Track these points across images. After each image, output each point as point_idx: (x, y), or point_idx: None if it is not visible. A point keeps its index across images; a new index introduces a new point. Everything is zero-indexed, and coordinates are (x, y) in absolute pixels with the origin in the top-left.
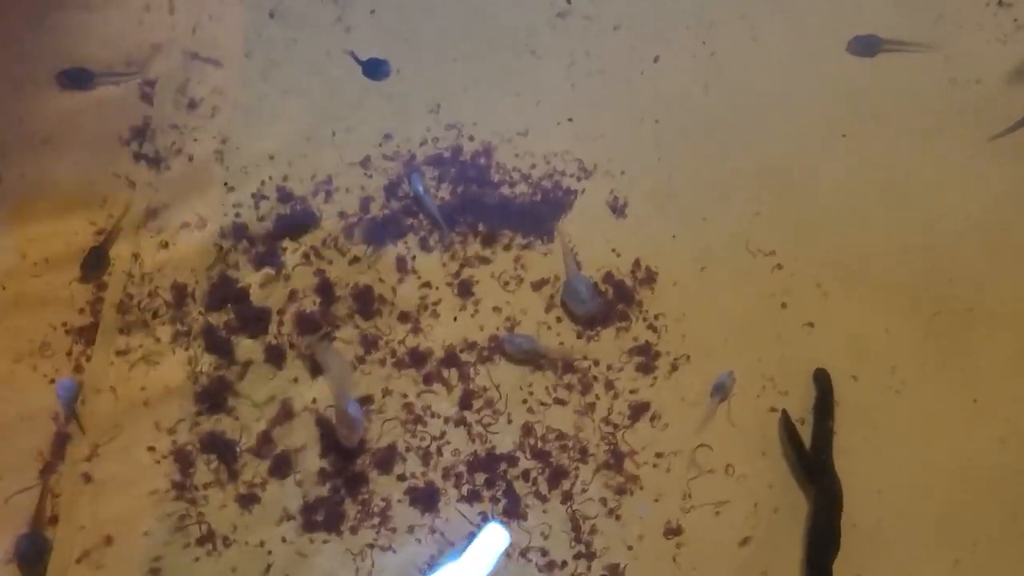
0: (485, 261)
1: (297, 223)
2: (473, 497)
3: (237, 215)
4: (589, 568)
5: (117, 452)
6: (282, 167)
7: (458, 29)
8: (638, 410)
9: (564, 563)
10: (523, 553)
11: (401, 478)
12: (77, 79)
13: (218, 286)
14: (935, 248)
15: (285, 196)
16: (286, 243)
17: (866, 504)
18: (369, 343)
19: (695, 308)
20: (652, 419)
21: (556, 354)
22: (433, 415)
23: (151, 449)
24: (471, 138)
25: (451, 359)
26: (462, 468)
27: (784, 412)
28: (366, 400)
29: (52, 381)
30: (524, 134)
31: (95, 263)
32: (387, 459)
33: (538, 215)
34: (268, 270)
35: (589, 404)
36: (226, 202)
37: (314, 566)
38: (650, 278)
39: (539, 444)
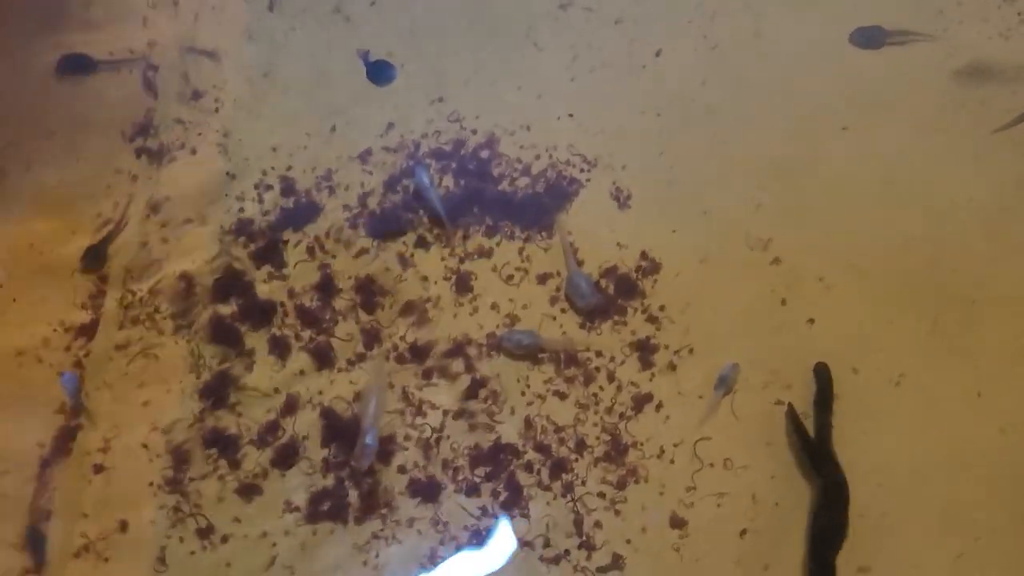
0: (487, 254)
1: (300, 216)
2: (474, 489)
3: (240, 209)
4: (590, 558)
5: (119, 445)
6: (284, 160)
7: (460, 21)
8: (640, 402)
9: (567, 552)
10: (525, 543)
11: (403, 470)
12: (79, 68)
13: (222, 279)
14: (937, 240)
15: (287, 189)
16: (288, 235)
17: (869, 496)
18: (371, 336)
19: (697, 300)
20: (655, 411)
21: (557, 346)
22: (434, 408)
23: (152, 442)
24: (473, 131)
25: (453, 352)
26: (463, 461)
27: (790, 405)
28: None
29: (57, 374)
30: (526, 127)
31: (96, 257)
32: (389, 451)
33: (541, 208)
34: (271, 263)
35: (591, 396)
36: (229, 195)
37: (317, 558)
38: (653, 270)
39: (540, 436)
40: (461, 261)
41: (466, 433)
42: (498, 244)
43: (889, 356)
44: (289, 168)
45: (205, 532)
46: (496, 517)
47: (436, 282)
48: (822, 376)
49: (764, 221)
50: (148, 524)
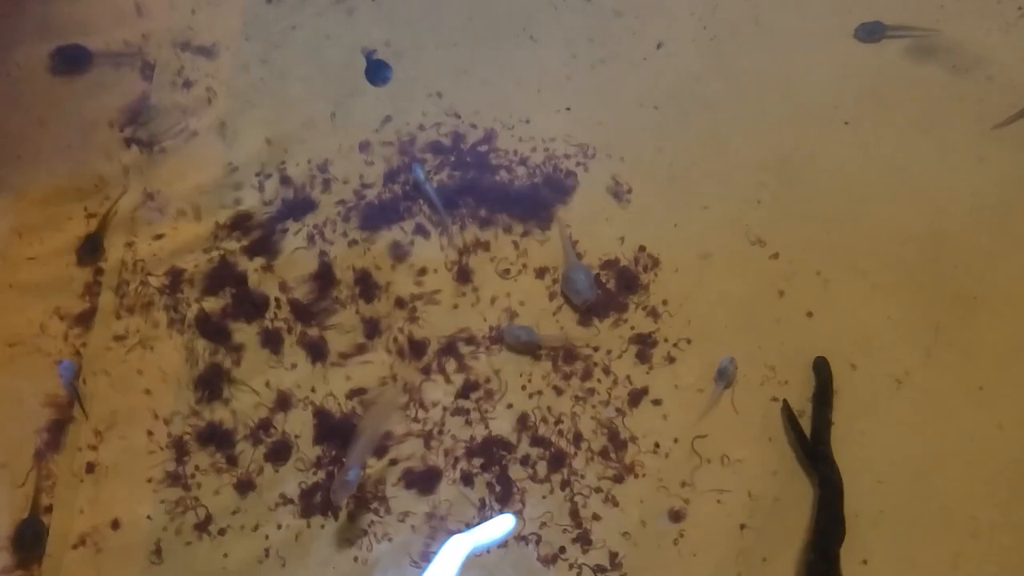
0: (485, 248)
1: (296, 207)
2: (470, 483)
3: (235, 200)
4: (587, 553)
5: (115, 438)
6: (280, 152)
7: (458, 14)
8: (638, 396)
9: (563, 549)
10: (521, 539)
11: (395, 462)
12: (73, 58)
13: (216, 271)
14: (937, 235)
15: (284, 180)
16: (286, 227)
17: (869, 493)
18: (370, 330)
19: (697, 295)
20: (653, 405)
21: (555, 342)
22: (432, 403)
23: (149, 434)
24: (472, 125)
25: (450, 348)
26: (460, 455)
27: (785, 402)
28: (359, 391)
29: (55, 363)
30: (525, 120)
31: (91, 248)
32: (385, 446)
33: (539, 201)
34: (265, 254)
35: (589, 390)
36: (224, 186)
37: (311, 552)
38: (653, 264)
39: (538, 431)
40: (460, 254)
41: (464, 427)
42: (495, 237)
43: (889, 352)
44: (285, 160)
45: (201, 525)
46: (492, 511)
47: (436, 272)
48: (821, 371)
49: (764, 215)
50: (144, 516)
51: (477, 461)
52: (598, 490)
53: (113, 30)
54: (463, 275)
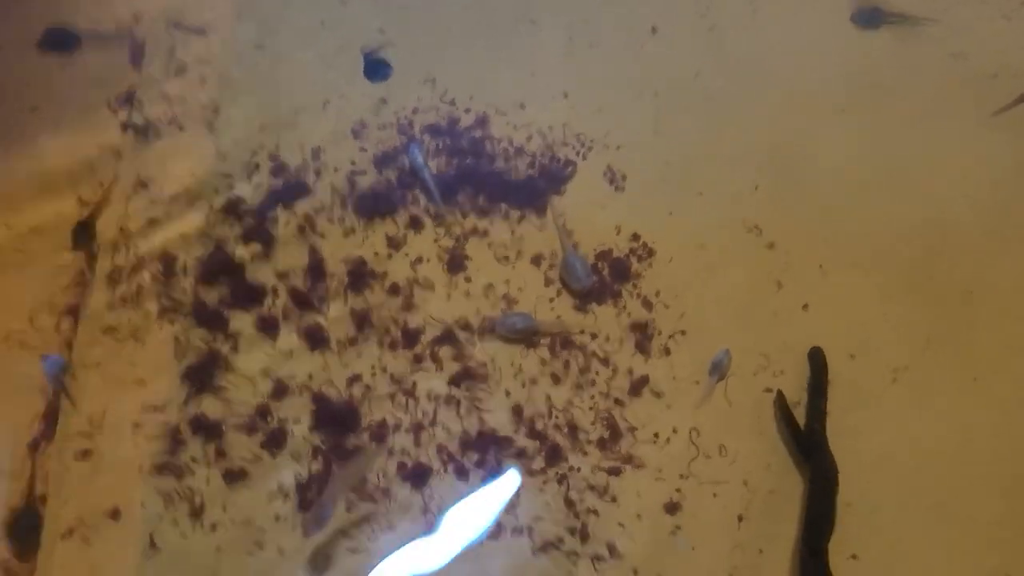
0: (482, 234)
1: (289, 194)
2: (464, 475)
3: (229, 186)
4: (585, 545)
5: (107, 428)
6: (273, 137)
7: None
8: (636, 387)
9: (560, 539)
10: (517, 531)
11: (391, 453)
12: (61, 41)
13: (211, 258)
14: (935, 226)
15: (277, 167)
16: (278, 213)
17: (862, 484)
18: (361, 319)
19: (692, 285)
20: (649, 396)
21: (553, 329)
22: (425, 394)
23: (142, 425)
24: (467, 110)
25: (445, 336)
26: (454, 446)
27: (779, 392)
28: (356, 379)
29: (40, 357)
30: (520, 106)
31: (82, 236)
32: (380, 436)
33: (534, 188)
34: (260, 242)
35: (586, 380)
36: (217, 172)
37: (308, 542)
38: (648, 254)
39: (534, 422)
40: (456, 241)
41: (457, 418)
42: (492, 224)
43: (885, 343)
44: (278, 145)
45: (195, 514)
46: (486, 503)
47: (429, 261)
48: (816, 362)
49: (760, 205)
50: (138, 507)
51: (472, 456)
52: (595, 483)
53: (103, 11)
54: (458, 263)
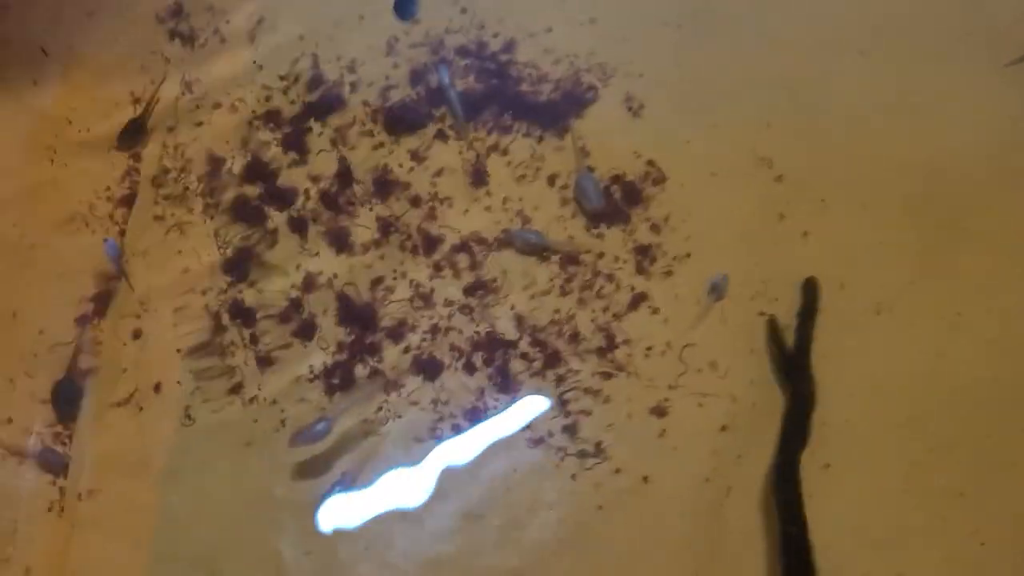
0: (502, 152)
1: (324, 106)
2: (472, 371)
3: (267, 97)
4: (574, 440)
5: (153, 310)
6: (311, 48)
7: None
8: (635, 302)
9: (550, 433)
10: (514, 426)
11: (407, 351)
12: None
13: (249, 163)
14: (938, 168)
15: (314, 78)
16: (312, 124)
17: (838, 404)
18: (386, 226)
19: (700, 211)
20: (649, 312)
21: (562, 247)
22: (442, 299)
23: (185, 308)
24: (495, 34)
25: (462, 246)
26: (464, 346)
27: (771, 317)
28: (378, 281)
29: (102, 240)
30: (548, 30)
31: (134, 134)
32: (399, 334)
33: (556, 111)
34: (295, 150)
35: (591, 294)
36: (256, 81)
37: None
38: (660, 179)
39: (538, 331)
40: (477, 157)
41: (469, 323)
42: (513, 142)
43: (876, 275)
44: (316, 57)
45: (232, 392)
46: (490, 399)
47: (453, 173)
48: (809, 290)
49: (773, 139)
50: (175, 384)
51: (481, 354)
52: (589, 386)
53: None
54: (479, 178)
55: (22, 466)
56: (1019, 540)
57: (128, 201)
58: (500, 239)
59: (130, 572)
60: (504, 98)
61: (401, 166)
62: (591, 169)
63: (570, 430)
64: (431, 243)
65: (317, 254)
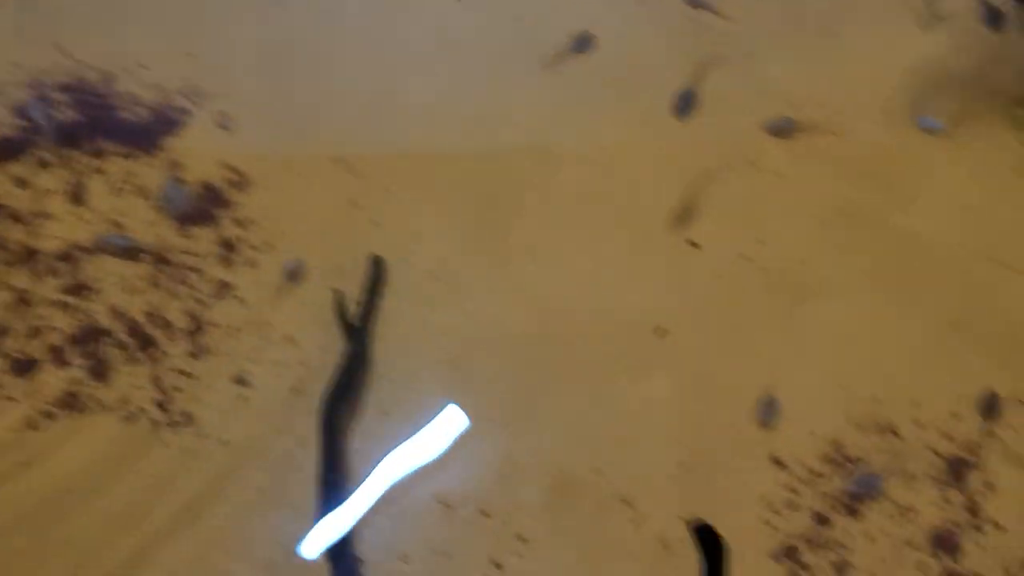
0: (99, 172)
1: None
2: (66, 365)
3: None
4: (166, 412)
5: None
6: None
7: None
8: (221, 290)
9: (142, 409)
10: (107, 407)
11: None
12: None
13: None
14: (485, 155)
15: None
16: None
17: (399, 358)
18: None
19: (281, 208)
20: (233, 299)
21: (153, 248)
22: (40, 300)
23: None
24: (91, 68)
25: (63, 254)
26: (62, 342)
27: (336, 291)
28: None
29: None
30: (145, 67)
31: None
32: None
33: (149, 132)
34: None
35: (181, 287)
36: None
37: None
38: (246, 183)
39: (134, 321)
40: (78, 176)
41: (69, 320)
42: (108, 162)
43: (434, 248)
44: None
45: None
46: (86, 385)
47: (55, 194)
48: (374, 267)
49: (353, 143)
50: None
51: (79, 348)
52: (182, 366)
53: None
54: (78, 195)
55: None
56: (545, 465)
57: None
58: (96, 244)
59: None
60: (102, 124)
61: (8, 192)
62: (179, 180)
63: (161, 407)
64: (31, 252)
65: None
